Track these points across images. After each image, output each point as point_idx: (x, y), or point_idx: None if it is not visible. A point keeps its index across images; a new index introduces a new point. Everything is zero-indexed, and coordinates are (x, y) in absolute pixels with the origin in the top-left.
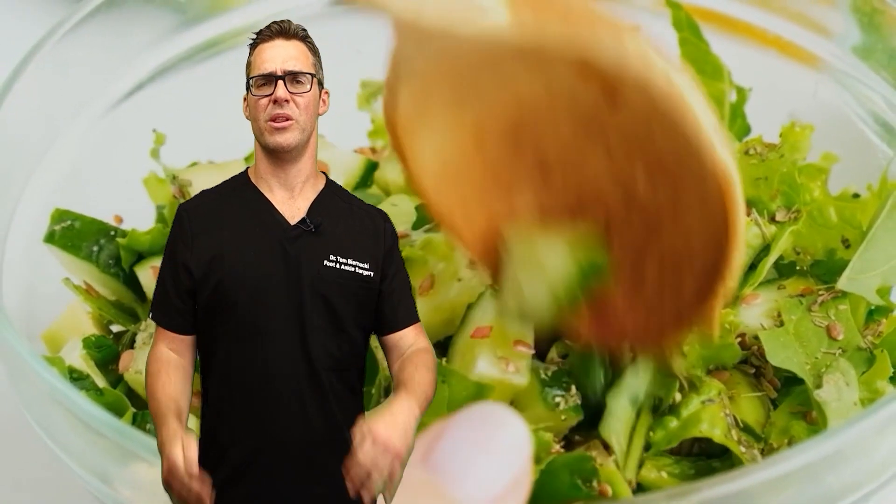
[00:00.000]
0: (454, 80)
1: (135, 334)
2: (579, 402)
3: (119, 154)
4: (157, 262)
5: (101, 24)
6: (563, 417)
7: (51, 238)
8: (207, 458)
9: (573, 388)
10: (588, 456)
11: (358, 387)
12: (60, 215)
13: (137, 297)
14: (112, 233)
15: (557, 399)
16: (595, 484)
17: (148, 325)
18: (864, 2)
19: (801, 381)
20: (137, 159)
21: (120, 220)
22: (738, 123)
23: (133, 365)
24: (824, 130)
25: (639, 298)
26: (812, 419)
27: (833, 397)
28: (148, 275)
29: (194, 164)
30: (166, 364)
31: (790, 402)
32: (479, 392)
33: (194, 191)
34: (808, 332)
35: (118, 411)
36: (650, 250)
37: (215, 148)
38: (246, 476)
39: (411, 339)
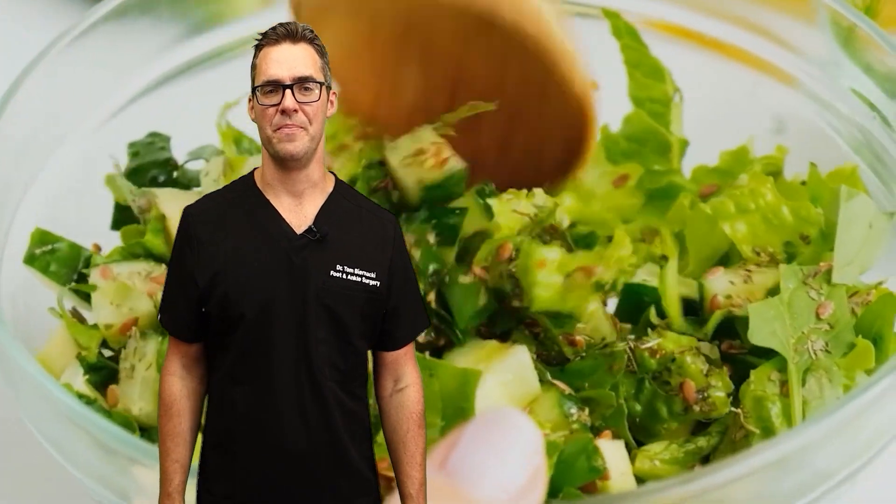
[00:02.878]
0: None
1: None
2: (589, 423)
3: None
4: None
5: (106, 33)
6: (573, 427)
7: (30, 261)
8: (207, 463)
9: (587, 409)
10: (590, 437)
11: (362, 395)
12: (41, 237)
13: None
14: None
15: (573, 410)
16: (603, 462)
17: (128, 355)
18: (841, 17)
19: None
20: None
21: (98, 248)
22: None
23: (122, 401)
24: (801, 141)
25: (505, 162)
26: (786, 392)
27: (815, 395)
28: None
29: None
30: (180, 398)
31: (768, 367)
32: (467, 379)
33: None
34: (801, 303)
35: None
36: (516, 132)
37: None
38: (247, 486)
39: (402, 367)
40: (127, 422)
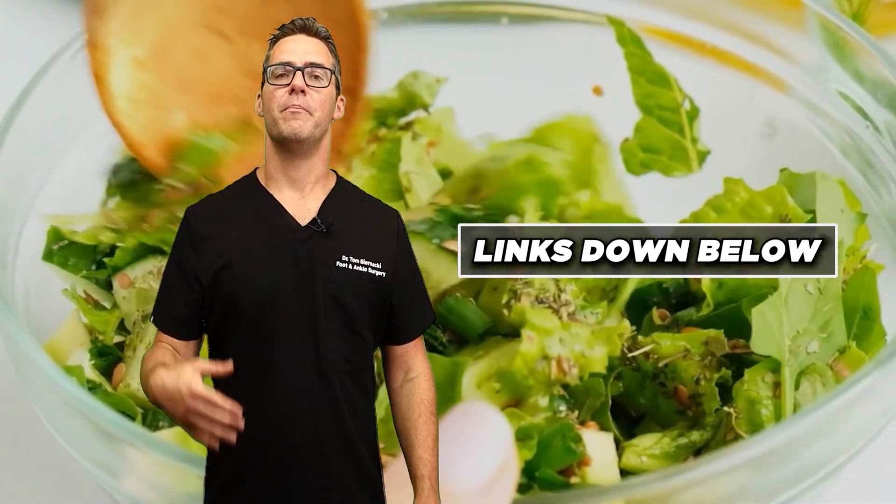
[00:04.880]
0: None
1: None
2: (577, 423)
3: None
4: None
5: None
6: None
7: (49, 257)
8: (212, 458)
9: (577, 412)
10: (570, 423)
11: (370, 389)
12: (56, 234)
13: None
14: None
15: (562, 408)
16: (582, 447)
17: (132, 340)
18: (830, 22)
19: None
20: None
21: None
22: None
23: (124, 380)
24: (792, 145)
25: None
26: (779, 393)
27: (808, 398)
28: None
29: None
30: (163, 353)
31: (762, 368)
32: (455, 369)
33: None
34: (798, 298)
35: (129, 414)
36: None
37: None
38: (252, 479)
39: (412, 359)
40: (128, 404)
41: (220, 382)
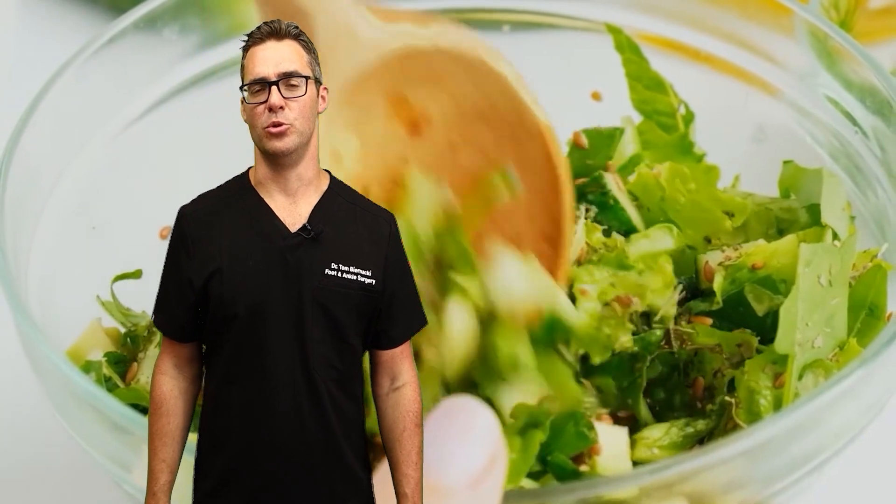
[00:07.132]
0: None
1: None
2: (600, 408)
3: (136, 170)
4: None
5: (131, 42)
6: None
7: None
8: (201, 461)
9: (607, 410)
10: (580, 411)
11: (358, 394)
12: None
13: None
14: None
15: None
16: (594, 434)
17: (143, 342)
18: (818, 30)
19: None
20: (151, 176)
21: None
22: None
23: (139, 375)
24: (782, 149)
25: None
26: (781, 383)
27: (808, 391)
28: None
29: None
30: (170, 398)
31: (763, 358)
32: None
33: None
34: (812, 290)
35: (141, 408)
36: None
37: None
38: (240, 485)
39: (398, 366)
40: (140, 396)
41: (210, 388)
